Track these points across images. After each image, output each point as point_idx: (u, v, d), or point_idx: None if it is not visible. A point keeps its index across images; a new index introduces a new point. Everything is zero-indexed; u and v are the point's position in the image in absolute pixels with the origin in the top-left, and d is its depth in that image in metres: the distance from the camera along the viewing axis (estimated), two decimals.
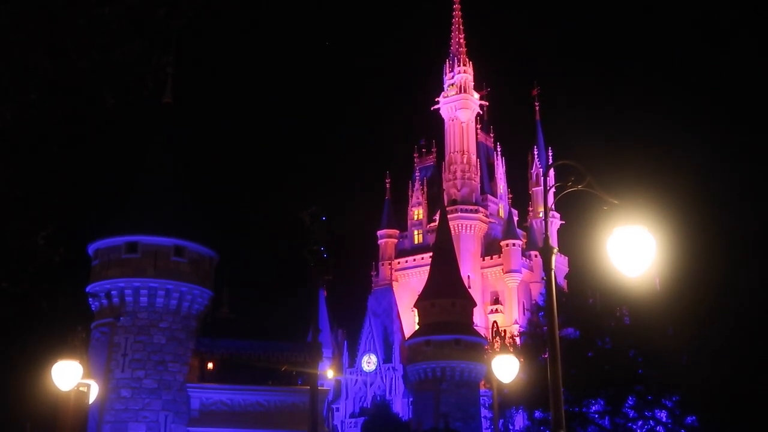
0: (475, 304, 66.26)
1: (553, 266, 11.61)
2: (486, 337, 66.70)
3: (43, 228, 10.29)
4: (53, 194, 10.51)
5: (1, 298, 10.38)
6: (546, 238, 11.94)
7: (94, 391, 26.43)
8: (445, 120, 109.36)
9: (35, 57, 8.49)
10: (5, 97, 8.64)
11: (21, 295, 10.55)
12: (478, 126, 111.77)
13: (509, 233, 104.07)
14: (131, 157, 43.09)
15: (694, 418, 39.35)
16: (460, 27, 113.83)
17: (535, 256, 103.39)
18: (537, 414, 46.00)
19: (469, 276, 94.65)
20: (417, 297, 68.04)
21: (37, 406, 28.33)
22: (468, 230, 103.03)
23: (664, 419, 41.63)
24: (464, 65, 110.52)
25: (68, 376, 20.36)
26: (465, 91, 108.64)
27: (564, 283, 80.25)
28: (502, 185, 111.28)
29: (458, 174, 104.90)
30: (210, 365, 40.95)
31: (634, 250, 9.81)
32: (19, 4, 8.15)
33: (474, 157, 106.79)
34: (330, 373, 75.89)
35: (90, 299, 40.03)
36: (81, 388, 22.66)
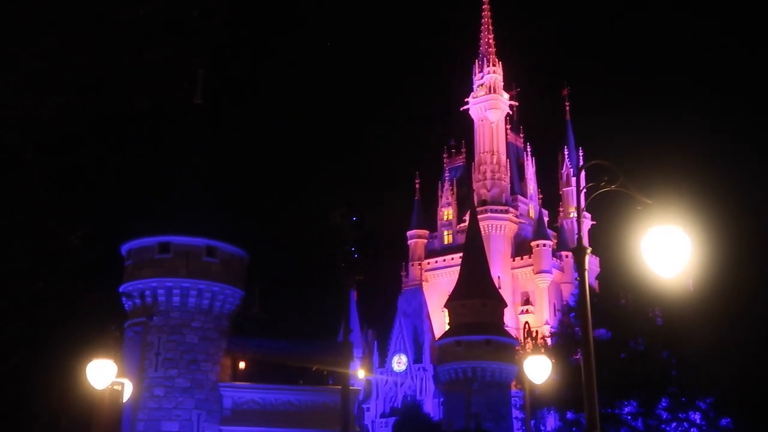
0: (505, 305, 66.02)
1: (586, 267, 11.53)
2: (517, 338, 66.46)
3: (78, 228, 10.40)
4: (88, 195, 10.63)
5: (38, 297, 10.51)
6: (579, 239, 11.86)
7: (128, 390, 26.68)
8: (475, 120, 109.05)
9: (72, 59, 8.58)
10: (42, 99, 8.75)
11: (57, 294, 10.68)
12: (508, 126, 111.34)
13: (540, 233, 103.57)
14: (164, 157, 43.38)
15: (728, 420, 38.91)
16: (490, 27, 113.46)
17: (566, 256, 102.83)
18: (569, 415, 45.71)
19: (499, 276, 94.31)
20: (447, 297, 67.92)
21: (71, 404, 28.61)
22: (498, 230, 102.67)
23: (698, 421, 41.18)
24: (493, 65, 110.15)
25: (103, 374, 20.58)
26: (494, 92, 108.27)
27: (595, 284, 79.74)
28: (532, 185, 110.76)
29: (488, 174, 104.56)
30: (242, 364, 41.16)
31: (669, 250, 9.69)
32: (55, 7, 8.24)
33: (504, 157, 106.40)
34: (361, 373, 76.01)
35: (123, 299, 40.43)
36: (115, 387, 22.88)
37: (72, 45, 8.49)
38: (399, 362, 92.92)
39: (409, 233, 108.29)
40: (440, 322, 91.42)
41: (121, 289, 40.53)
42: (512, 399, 62.50)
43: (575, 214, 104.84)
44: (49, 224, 10.11)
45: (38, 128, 9.05)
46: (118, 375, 22.15)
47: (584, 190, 11.75)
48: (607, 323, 41.89)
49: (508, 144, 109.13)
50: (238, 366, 41.14)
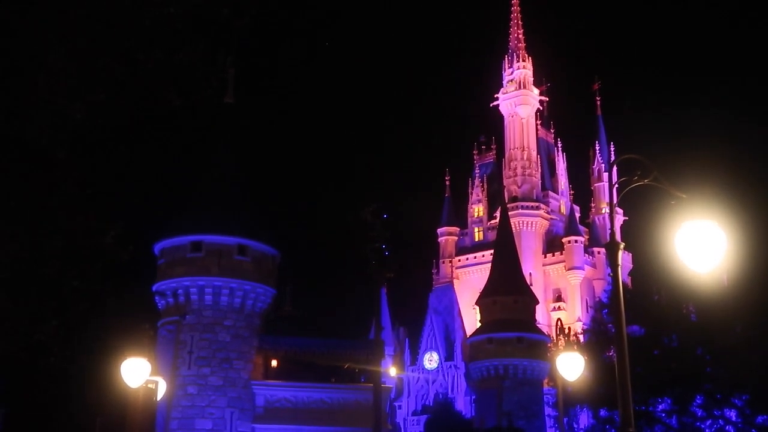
0: (537, 302, 65.69)
1: (619, 262, 11.42)
2: (549, 335, 66.04)
3: (112, 228, 10.49)
4: (121, 194, 10.73)
5: (73, 296, 10.62)
6: (612, 234, 11.76)
7: (161, 388, 26.93)
8: (505, 116, 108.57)
9: (103, 59, 8.66)
10: (75, 99, 8.83)
11: (91, 293, 10.78)
12: (538, 122, 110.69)
13: (571, 230, 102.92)
14: (195, 156, 43.71)
15: (765, 417, 38.43)
16: (519, 22, 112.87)
17: (598, 252, 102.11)
18: (602, 412, 45.42)
19: (530, 273, 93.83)
20: (478, 295, 67.68)
21: (106, 402, 28.92)
22: (529, 227, 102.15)
23: (733, 418, 40.73)
24: (523, 60, 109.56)
25: (137, 373, 20.77)
26: (524, 87, 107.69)
27: (628, 280, 79.09)
28: (563, 181, 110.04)
29: (518, 170, 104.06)
30: (274, 362, 41.33)
31: (703, 245, 9.54)
32: (86, 8, 8.32)
33: (534, 153, 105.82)
34: (392, 371, 76.12)
35: (156, 297, 40.76)
36: (149, 385, 23.10)
37: (103, 45, 8.56)
38: (430, 360, 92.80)
39: (439, 230, 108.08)
40: (471, 319, 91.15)
41: (154, 288, 40.87)
42: (544, 396, 62.18)
43: (607, 210, 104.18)
44: (83, 224, 10.20)
45: (71, 128, 9.14)
46: (152, 373, 22.36)
47: (616, 185, 11.64)
48: (641, 319, 41.56)
49: (538, 140, 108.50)
50: (270, 364, 41.32)
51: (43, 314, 10.30)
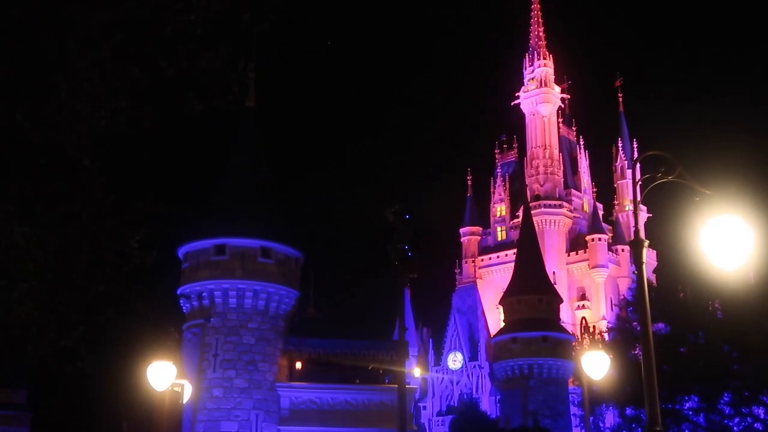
0: (561, 300, 65.43)
1: (644, 260, 11.35)
2: (573, 334, 65.81)
3: (137, 232, 10.58)
4: (145, 198, 10.80)
5: (99, 301, 10.72)
6: (636, 231, 11.69)
7: (187, 391, 27.13)
8: (526, 114, 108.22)
9: (126, 66, 8.74)
10: (98, 105, 8.91)
11: (117, 297, 10.87)
12: (560, 119, 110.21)
13: (595, 228, 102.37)
14: (217, 160, 44.01)
15: None
16: (539, 20, 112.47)
17: (622, 250, 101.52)
18: (628, 411, 45.12)
19: (554, 272, 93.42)
20: (501, 294, 67.53)
21: (133, 405, 29.17)
22: (552, 225, 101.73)
23: (762, 416, 40.33)
24: (544, 58, 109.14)
25: (163, 376, 20.94)
26: (546, 85, 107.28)
27: (653, 278, 78.61)
28: (585, 179, 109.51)
29: (541, 169, 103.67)
30: (298, 364, 41.46)
31: (729, 241, 9.45)
32: (109, 15, 8.40)
33: (556, 151, 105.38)
34: (417, 372, 76.03)
35: (181, 301, 41.00)
36: (175, 388, 23.27)
37: (125, 53, 8.64)
38: (454, 360, 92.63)
39: (462, 230, 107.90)
40: (495, 319, 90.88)
41: (178, 292, 41.13)
42: (570, 396, 61.92)
43: (630, 207, 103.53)
44: (108, 229, 10.30)
45: (95, 134, 9.24)
46: (178, 376, 22.53)
47: (640, 182, 11.56)
48: (666, 317, 41.27)
49: (560, 138, 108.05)
50: (294, 366, 41.45)
51: (70, 320, 10.40)
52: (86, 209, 9.92)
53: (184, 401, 27.15)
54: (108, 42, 8.45)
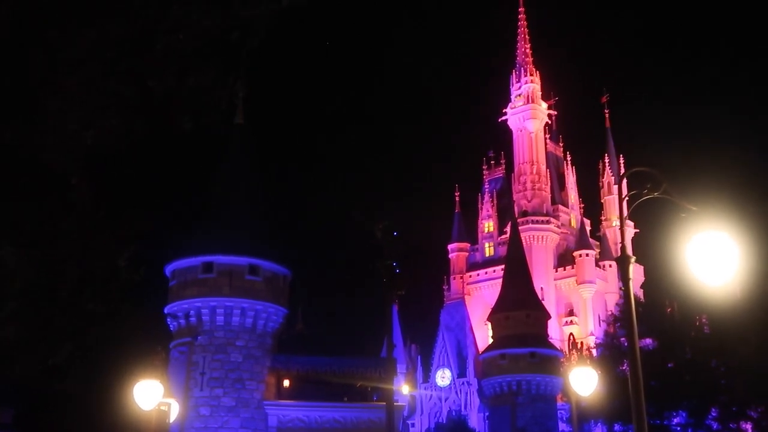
0: (549, 316, 65.52)
1: (631, 276, 11.40)
2: (561, 350, 65.88)
3: (125, 250, 10.56)
4: (133, 216, 10.79)
5: (87, 319, 10.68)
6: (623, 247, 11.76)
7: (174, 410, 26.91)
8: (513, 131, 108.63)
9: (114, 84, 8.76)
10: (87, 124, 8.92)
11: (105, 316, 10.84)
12: (547, 136, 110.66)
13: (582, 243, 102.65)
14: (206, 177, 43.93)
15: None
16: (526, 37, 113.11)
17: (609, 266, 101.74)
18: (617, 427, 45.17)
19: (542, 288, 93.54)
20: (490, 310, 67.58)
21: (119, 424, 28.92)
22: (540, 241, 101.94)
23: (750, 431, 40.43)
24: (531, 75, 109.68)
25: (149, 395, 20.80)
26: (533, 101, 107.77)
27: (640, 293, 78.84)
28: (573, 195, 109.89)
29: (528, 185, 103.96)
30: (286, 382, 41.28)
31: (715, 257, 9.51)
32: (98, 31, 8.42)
33: (544, 167, 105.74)
34: (405, 389, 75.78)
35: (168, 319, 40.80)
36: (162, 407, 23.09)
37: (114, 71, 8.66)
38: (443, 377, 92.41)
39: (450, 246, 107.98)
40: (483, 335, 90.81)
41: (166, 310, 40.93)
42: (558, 412, 61.91)
43: (617, 223, 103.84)
44: (96, 247, 10.29)
45: (83, 152, 9.24)
46: (165, 395, 22.36)
47: (626, 198, 11.64)
48: (654, 333, 41.42)
49: (547, 153, 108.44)
50: (282, 384, 41.27)
51: (58, 338, 10.36)
52: (74, 227, 9.91)
53: (171, 420, 26.92)
54: (97, 60, 8.46)
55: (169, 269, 41.61)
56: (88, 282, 10.37)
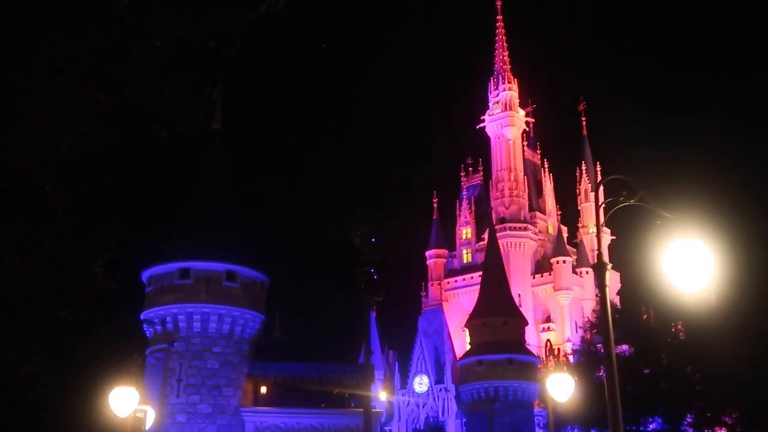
0: (526, 323, 65.68)
1: (607, 282, 11.48)
2: (539, 356, 66.09)
3: (101, 256, 10.49)
4: (109, 223, 10.72)
5: (61, 326, 10.59)
6: (599, 255, 11.86)
7: (150, 417, 26.73)
8: (491, 138, 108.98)
9: (90, 91, 8.70)
10: (62, 130, 8.86)
11: (80, 322, 10.76)
12: (525, 143, 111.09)
13: (559, 250, 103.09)
14: (182, 184, 43.79)
15: None
16: (504, 44, 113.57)
17: (586, 272, 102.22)
18: None
19: (519, 294, 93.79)
20: (467, 317, 67.66)
21: None
22: (517, 248, 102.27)
23: None
24: (509, 82, 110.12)
25: (125, 402, 20.65)
26: (510, 109, 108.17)
27: (617, 300, 79.31)
28: (550, 202, 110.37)
29: (506, 192, 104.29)
30: (263, 389, 41.11)
31: (691, 264, 9.60)
32: (74, 39, 8.37)
33: (521, 174, 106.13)
34: (382, 395, 75.75)
35: (145, 325, 40.55)
36: (137, 414, 22.93)
37: (90, 78, 8.61)
38: (420, 383, 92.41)
39: (427, 253, 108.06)
40: (461, 341, 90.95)
41: (142, 316, 40.66)
42: (535, 418, 62.07)
43: (594, 230, 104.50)
44: (71, 254, 10.21)
45: (58, 159, 9.18)
46: (141, 402, 22.22)
47: (603, 206, 11.72)
48: (630, 339, 41.67)
49: (525, 161, 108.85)
50: (259, 390, 41.10)
51: (32, 345, 10.26)
52: (49, 234, 9.83)
53: (147, 427, 26.73)
54: (72, 67, 8.41)
55: (145, 275, 41.36)
56: (63, 289, 10.29)
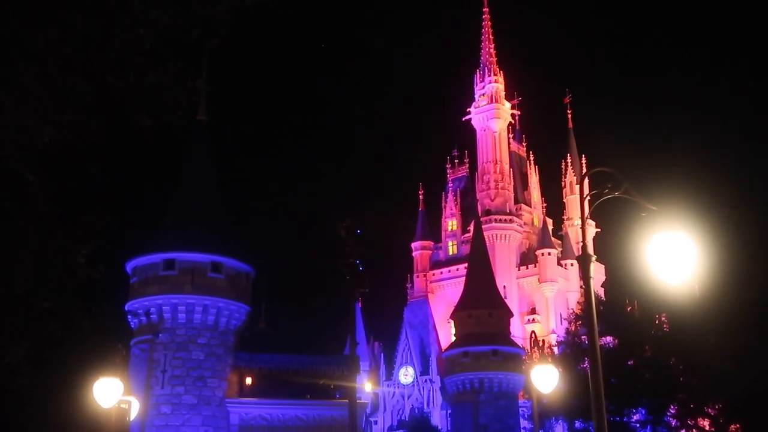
0: (511, 315, 65.87)
1: (591, 275, 11.50)
2: (523, 348, 66.33)
3: (84, 246, 10.41)
4: (93, 213, 10.64)
5: (44, 317, 10.51)
6: (584, 247, 11.85)
7: (134, 408, 26.64)
8: (477, 130, 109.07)
9: (72, 79, 8.62)
10: (43, 119, 8.78)
11: (63, 313, 10.68)
12: (510, 135, 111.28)
13: (544, 242, 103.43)
14: (168, 173, 43.53)
15: (738, 426, 38.76)
16: (490, 37, 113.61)
17: (571, 264, 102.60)
18: (577, 424, 45.62)
19: (504, 286, 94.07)
20: (453, 308, 67.79)
21: (78, 423, 28.60)
22: (503, 240, 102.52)
23: (707, 428, 41.03)
24: (495, 75, 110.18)
25: (109, 393, 20.59)
26: (496, 101, 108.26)
27: (601, 292, 79.72)
28: (535, 194, 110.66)
29: (491, 184, 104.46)
30: (248, 380, 41.08)
31: (675, 256, 9.63)
32: (57, 27, 8.28)
33: (507, 166, 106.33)
34: (368, 386, 75.86)
35: (129, 317, 40.39)
36: (122, 405, 22.86)
37: (73, 67, 8.53)
38: (406, 374, 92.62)
39: (413, 245, 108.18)
40: (446, 333, 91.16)
41: (126, 307, 40.49)
42: (520, 409, 62.34)
43: (579, 222, 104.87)
44: (54, 244, 10.12)
45: (40, 148, 9.09)
46: (125, 393, 22.15)
47: (588, 198, 11.73)
48: (614, 331, 41.87)
49: (510, 153, 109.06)
50: (244, 382, 41.06)
51: (13, 336, 10.18)
52: (31, 224, 9.75)
53: (131, 419, 26.65)
54: (54, 55, 8.33)
55: (130, 266, 41.18)
56: (46, 279, 10.21)
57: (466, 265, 75.76)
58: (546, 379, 21.54)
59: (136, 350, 39.88)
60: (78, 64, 8.52)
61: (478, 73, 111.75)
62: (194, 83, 8.97)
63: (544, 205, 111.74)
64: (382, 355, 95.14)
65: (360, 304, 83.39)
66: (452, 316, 67.28)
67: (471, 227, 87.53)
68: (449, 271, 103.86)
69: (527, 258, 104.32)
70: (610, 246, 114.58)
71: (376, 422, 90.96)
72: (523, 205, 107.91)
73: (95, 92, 8.78)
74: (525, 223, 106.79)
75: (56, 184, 9.80)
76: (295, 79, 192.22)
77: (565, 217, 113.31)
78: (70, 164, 10.12)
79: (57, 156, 9.57)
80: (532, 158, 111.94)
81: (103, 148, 10.12)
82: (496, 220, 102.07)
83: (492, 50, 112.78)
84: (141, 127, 9.04)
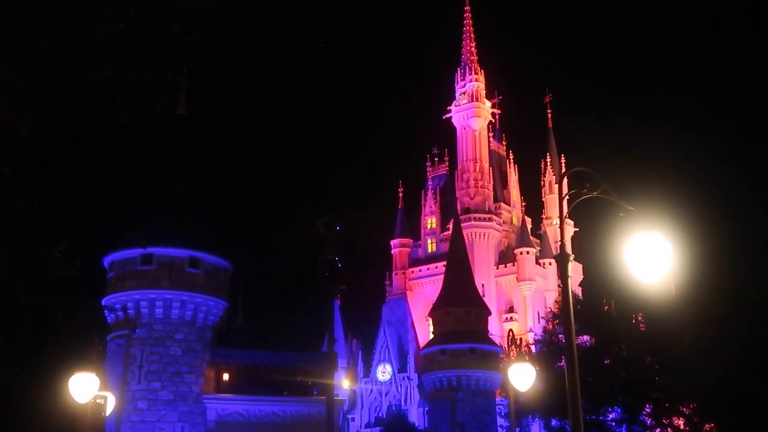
0: (489, 313, 66.09)
1: (569, 274, 11.56)
2: (501, 346, 66.59)
3: (60, 241, 10.34)
4: (69, 207, 10.57)
5: (19, 312, 10.43)
6: (562, 246, 11.91)
7: (110, 404, 26.51)
8: (458, 128, 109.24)
9: (51, 72, 8.55)
10: (21, 112, 8.70)
11: (38, 308, 10.60)
12: (491, 134, 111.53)
13: (523, 241, 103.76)
14: (145, 169, 43.24)
15: (712, 425, 39.08)
16: (471, 35, 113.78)
17: (549, 263, 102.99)
18: (554, 422, 45.80)
19: (483, 284, 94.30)
20: (431, 306, 67.92)
21: (53, 418, 28.41)
22: (481, 238, 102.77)
23: (682, 426, 41.37)
24: (476, 73, 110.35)
25: (85, 388, 20.46)
26: (477, 100, 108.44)
27: (579, 291, 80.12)
28: (515, 193, 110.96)
29: (471, 182, 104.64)
30: (226, 376, 40.98)
31: (651, 256, 9.73)
32: (35, 20, 8.21)
33: (487, 165, 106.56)
34: (345, 383, 75.83)
35: (106, 312, 40.15)
36: (98, 401, 22.74)
37: (51, 60, 8.46)
38: (384, 372, 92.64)
39: (392, 242, 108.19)
40: (425, 330, 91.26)
41: (103, 302, 40.25)
42: (497, 407, 62.54)
43: (558, 221, 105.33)
44: (30, 238, 10.05)
45: (17, 142, 9.01)
46: (101, 388, 22.02)
47: (567, 197, 11.79)
48: (591, 330, 42.07)
49: (490, 152, 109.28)
50: (222, 378, 40.95)
51: None
52: (7, 218, 9.67)
53: (107, 414, 26.55)
54: (32, 47, 8.25)
55: (107, 261, 40.94)
56: (21, 274, 10.13)
57: (444, 263, 75.87)
58: (523, 378, 21.62)
59: (113, 345, 39.67)
60: (56, 57, 8.45)
61: (459, 71, 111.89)
62: (174, 78, 8.94)
63: (523, 204, 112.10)
64: (360, 352, 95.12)
65: (338, 301, 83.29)
66: (430, 314, 67.41)
67: (450, 225, 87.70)
68: (428, 268, 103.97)
69: (506, 256, 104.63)
70: (587, 245, 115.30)
71: (353, 419, 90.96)
72: (502, 204, 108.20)
73: (73, 86, 8.72)
74: (504, 222, 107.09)
75: (33, 178, 9.73)
76: (275, 75, 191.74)
77: (543, 216, 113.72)
78: (48, 158, 10.05)
79: (34, 150, 9.50)
80: (511, 157, 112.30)
81: (81, 142, 10.06)
82: (475, 218, 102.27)
83: (473, 49, 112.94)
84: (119, 122, 8.99)
